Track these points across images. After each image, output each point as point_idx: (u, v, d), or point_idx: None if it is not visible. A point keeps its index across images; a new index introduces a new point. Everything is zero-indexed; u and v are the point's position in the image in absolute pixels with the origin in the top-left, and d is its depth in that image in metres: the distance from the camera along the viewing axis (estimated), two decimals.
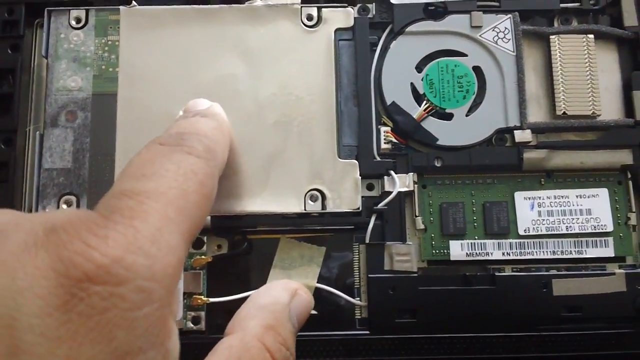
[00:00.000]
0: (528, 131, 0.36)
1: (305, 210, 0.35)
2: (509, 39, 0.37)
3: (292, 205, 0.35)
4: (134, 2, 0.37)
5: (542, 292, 0.34)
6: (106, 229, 0.17)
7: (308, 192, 0.35)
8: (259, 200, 0.35)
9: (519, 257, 0.36)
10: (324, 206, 0.35)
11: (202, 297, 0.34)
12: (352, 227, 0.36)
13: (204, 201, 0.21)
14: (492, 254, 0.36)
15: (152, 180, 0.19)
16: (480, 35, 0.37)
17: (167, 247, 0.18)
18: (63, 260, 0.16)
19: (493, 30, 0.37)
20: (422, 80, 0.37)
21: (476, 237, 0.36)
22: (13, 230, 0.17)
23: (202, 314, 0.35)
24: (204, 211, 0.21)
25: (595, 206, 0.36)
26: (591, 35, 0.37)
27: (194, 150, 0.21)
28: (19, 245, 0.17)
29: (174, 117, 0.35)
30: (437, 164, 0.36)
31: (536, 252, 0.36)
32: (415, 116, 0.36)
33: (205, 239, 0.35)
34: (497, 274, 0.35)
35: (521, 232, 0.36)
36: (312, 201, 0.35)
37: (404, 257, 0.35)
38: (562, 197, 0.36)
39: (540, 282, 0.34)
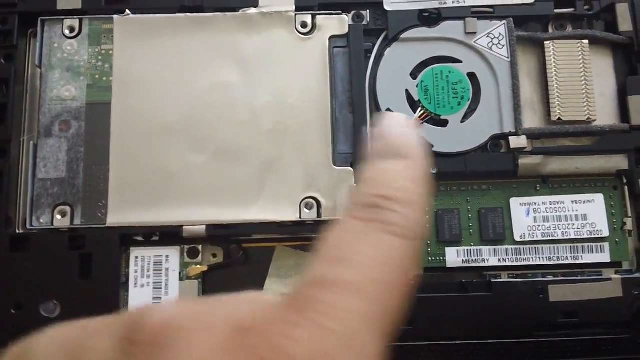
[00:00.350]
0: (523, 137, 0.36)
1: (300, 218, 0.35)
2: (504, 45, 0.37)
3: (288, 213, 0.35)
4: (127, 11, 0.36)
5: (538, 298, 0.34)
6: (301, 330, 0.15)
7: (303, 200, 0.35)
8: (254, 209, 0.35)
9: (515, 264, 0.35)
10: (319, 214, 0.35)
11: None
12: None
13: (406, 293, 0.17)
14: (488, 260, 0.35)
15: (349, 268, 0.17)
16: (474, 42, 0.37)
17: (364, 355, 0.16)
18: None
19: (487, 36, 0.37)
20: (416, 86, 0.37)
21: (472, 244, 0.36)
22: (198, 329, 0.15)
23: None
24: (404, 303, 0.18)
25: (591, 211, 0.36)
26: (586, 41, 0.37)
27: (396, 229, 0.18)
28: (208, 349, 0.15)
29: (169, 126, 0.35)
30: (432, 170, 0.36)
31: (532, 258, 0.36)
32: None
33: (200, 248, 0.35)
34: (493, 280, 0.35)
35: (517, 238, 0.36)
36: (307, 209, 0.35)
37: None
38: (558, 202, 0.36)
39: (537, 288, 0.34)
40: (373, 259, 0.17)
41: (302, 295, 0.16)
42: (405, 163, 0.20)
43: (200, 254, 0.35)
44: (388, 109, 0.37)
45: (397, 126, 0.21)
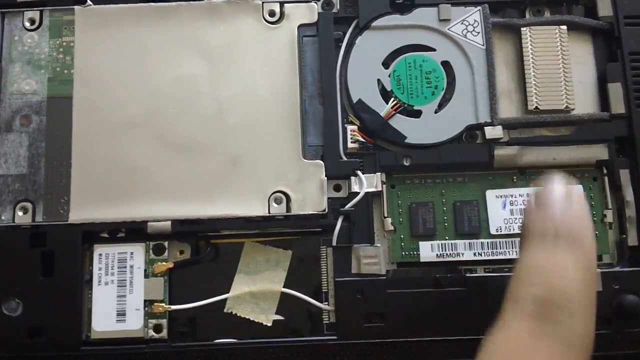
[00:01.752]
0: (499, 127, 0.35)
1: (269, 213, 0.34)
2: (479, 32, 0.36)
3: (256, 208, 0.34)
4: (89, 1, 0.35)
5: None
6: None
7: (272, 194, 0.34)
8: (221, 204, 0.34)
9: (491, 257, 0.34)
10: (288, 208, 0.34)
11: (164, 304, 0.33)
12: (319, 229, 0.35)
13: None
14: (463, 254, 0.34)
15: None
16: (448, 29, 0.36)
17: None
18: None
19: (462, 23, 0.36)
20: (389, 76, 0.36)
21: (447, 238, 0.35)
22: None
23: (164, 321, 0.34)
24: None
25: None
26: (564, 27, 0.36)
27: (568, 340, 0.17)
28: None
29: (132, 120, 0.34)
30: (406, 162, 0.35)
31: (509, 251, 0.34)
32: (382, 114, 0.35)
33: (166, 244, 0.34)
34: (468, 275, 0.34)
35: (493, 232, 0.34)
36: (276, 203, 0.34)
37: (371, 259, 0.34)
38: None
39: None
40: None
41: None
42: (576, 256, 0.18)
43: (166, 251, 0.34)
44: (359, 100, 0.35)
45: (566, 201, 0.19)
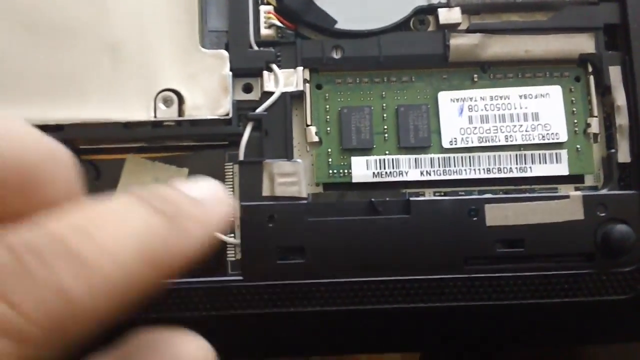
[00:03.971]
0: (457, 10, 0.28)
1: (155, 117, 0.26)
2: None
3: (138, 111, 0.26)
4: None
5: (471, 222, 0.26)
6: None
7: (160, 93, 0.27)
8: (93, 105, 0.26)
9: (442, 177, 0.27)
10: (181, 112, 0.26)
11: None
12: (224, 142, 0.27)
13: None
14: (407, 173, 0.27)
15: None
16: None
17: None
18: None
19: None
20: None
21: (387, 152, 0.27)
22: None
23: None
24: None
25: (544, 109, 0.28)
26: None
27: None
28: None
29: None
30: (336, 55, 0.27)
31: (465, 170, 0.27)
32: None
33: None
34: (413, 199, 0.26)
35: (446, 145, 0.27)
36: (165, 105, 0.26)
37: (289, 178, 0.27)
38: (501, 97, 0.28)
39: (470, 208, 0.26)
40: None
41: None
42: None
43: None
44: None
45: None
